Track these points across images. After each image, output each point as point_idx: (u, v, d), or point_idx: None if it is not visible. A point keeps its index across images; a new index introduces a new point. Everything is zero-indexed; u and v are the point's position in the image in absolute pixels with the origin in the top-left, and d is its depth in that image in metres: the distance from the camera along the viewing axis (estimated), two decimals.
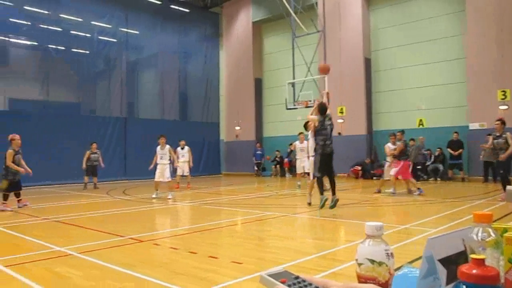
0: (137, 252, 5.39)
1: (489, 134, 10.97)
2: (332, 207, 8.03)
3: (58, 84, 18.65)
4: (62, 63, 18.65)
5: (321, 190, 8.05)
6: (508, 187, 1.01)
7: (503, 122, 9.99)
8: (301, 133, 13.35)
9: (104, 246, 5.65)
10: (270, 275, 0.71)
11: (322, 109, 8.49)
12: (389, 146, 12.08)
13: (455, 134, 15.91)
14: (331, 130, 8.56)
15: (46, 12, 18.24)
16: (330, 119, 8.53)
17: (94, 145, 15.71)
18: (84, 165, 15.34)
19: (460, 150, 15.74)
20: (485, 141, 12.29)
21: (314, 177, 8.64)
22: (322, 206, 7.95)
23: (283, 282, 0.69)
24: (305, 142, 12.94)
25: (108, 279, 4.14)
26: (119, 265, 4.57)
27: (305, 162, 12.76)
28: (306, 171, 12.62)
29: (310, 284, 0.70)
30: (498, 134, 9.90)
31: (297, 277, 0.72)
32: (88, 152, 15.43)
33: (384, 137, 17.25)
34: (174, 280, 4.01)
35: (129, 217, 8.67)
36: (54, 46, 18.70)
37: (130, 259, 4.96)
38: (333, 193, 8.04)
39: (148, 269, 4.42)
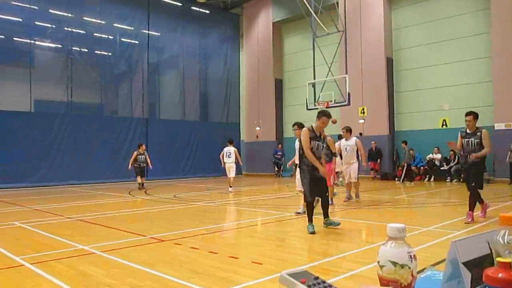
0: (158, 251, 5.45)
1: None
2: (331, 224, 6.77)
3: (81, 85, 19.01)
4: (85, 65, 19.02)
5: (310, 216, 6.55)
6: None
7: (476, 116, 7.28)
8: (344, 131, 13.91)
9: (126, 245, 5.73)
10: (290, 275, 0.71)
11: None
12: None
13: None
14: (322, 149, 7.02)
15: (70, 15, 18.63)
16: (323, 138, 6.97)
17: (143, 147, 15.63)
18: (130, 166, 15.35)
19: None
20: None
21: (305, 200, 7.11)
22: (312, 233, 6.37)
23: (302, 283, 0.69)
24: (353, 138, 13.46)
25: (130, 278, 4.19)
26: (140, 264, 4.62)
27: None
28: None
29: (330, 286, 0.70)
30: (469, 132, 7.30)
31: (316, 278, 0.71)
32: (135, 153, 15.40)
33: (407, 138, 17.06)
34: (194, 280, 4.03)
35: (150, 217, 8.77)
36: (77, 48, 19.09)
37: (151, 258, 5.01)
38: (325, 216, 6.77)
39: (168, 268, 4.46)
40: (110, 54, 20.47)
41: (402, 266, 0.83)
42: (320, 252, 5.18)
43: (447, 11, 17.23)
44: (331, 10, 19.03)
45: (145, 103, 20.93)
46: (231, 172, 14.38)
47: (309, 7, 18.29)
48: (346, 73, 17.54)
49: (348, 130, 10.53)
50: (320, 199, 6.93)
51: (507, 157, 14.55)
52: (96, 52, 20.16)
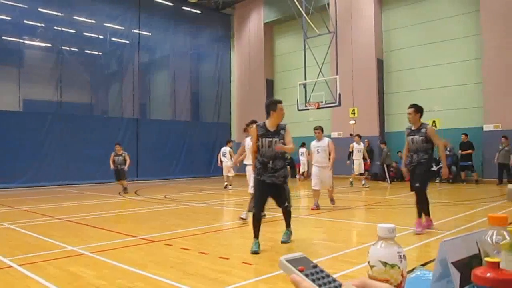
0: (149, 252, 5.43)
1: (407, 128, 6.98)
2: (285, 241, 5.79)
3: (71, 85, 18.87)
4: (76, 64, 18.88)
5: (256, 232, 5.41)
6: (509, 186, 0.99)
7: (418, 110, 6.58)
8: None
9: (117, 246, 5.70)
10: (289, 261, 0.70)
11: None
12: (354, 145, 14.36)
13: (463, 135, 15.73)
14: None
15: (60, 14, 18.47)
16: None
17: (118, 147, 14.07)
18: (112, 166, 13.78)
19: (469, 151, 15.53)
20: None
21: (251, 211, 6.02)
22: (254, 252, 5.22)
23: (301, 271, 0.69)
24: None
25: (120, 279, 4.17)
26: (130, 265, 4.60)
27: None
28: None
29: (328, 276, 0.70)
30: (413, 129, 6.61)
31: (315, 266, 0.71)
32: (112, 154, 13.95)
33: (397, 138, 17.18)
34: (185, 281, 4.03)
35: (141, 218, 8.73)
36: (67, 48, 18.94)
37: (142, 259, 4.99)
38: (287, 226, 5.90)
39: (159, 269, 4.44)
40: (100, 53, 20.34)
41: (392, 266, 0.84)
42: (310, 252, 5.19)
43: (437, 13, 17.38)
44: (322, 11, 19.09)
45: (135, 103, 20.82)
46: (229, 171, 14.58)
47: (300, 8, 18.34)
48: (337, 74, 17.60)
49: (321, 130, 9.35)
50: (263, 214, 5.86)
51: (495, 157, 14.71)
52: (87, 51, 20.02)
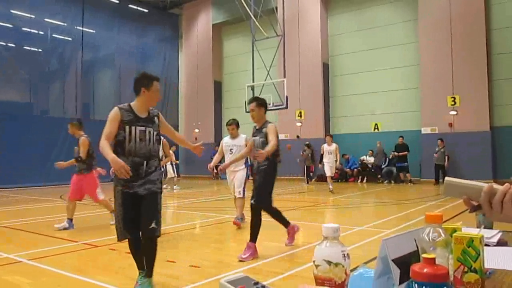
0: (92, 257, 5.23)
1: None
2: (144, 277, 3.75)
3: (8, 83, 17.83)
4: (13, 61, 17.85)
5: (140, 264, 3.79)
6: (447, 178, 1.05)
7: (260, 104, 5.48)
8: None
9: (57, 252, 5.44)
10: (229, 282, 0.70)
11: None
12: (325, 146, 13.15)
13: (400, 138, 16.44)
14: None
15: None
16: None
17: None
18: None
19: (405, 152, 16.25)
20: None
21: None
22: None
23: None
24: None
25: (60, 286, 3.98)
26: (72, 272, 4.41)
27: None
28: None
29: None
30: (257, 128, 5.44)
31: (256, 283, 0.72)
32: None
33: (341, 141, 17.69)
34: (131, 286, 3.91)
35: (83, 222, 8.39)
36: (3, 43, 17.91)
37: (85, 265, 4.80)
38: (146, 267, 3.77)
39: (103, 275, 4.29)
40: (40, 50, 19.38)
41: (336, 264, 0.86)
42: (258, 253, 5.22)
43: (379, 20, 18.09)
44: (270, 14, 19.31)
45: (78, 102, 20.02)
46: (171, 173, 14.50)
47: (248, 10, 18.44)
48: (284, 76, 17.87)
49: (236, 125, 7.48)
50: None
51: (434, 159, 15.49)
52: (25, 47, 19.00)
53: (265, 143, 5.13)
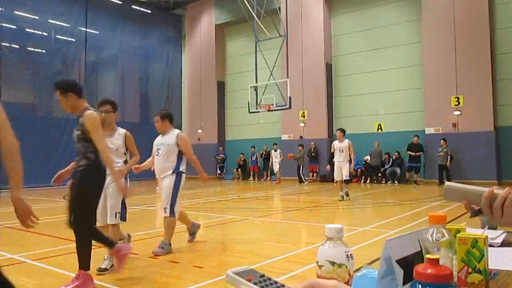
0: (95, 258, 5.23)
1: None
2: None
3: (12, 84, 17.90)
4: (17, 62, 17.94)
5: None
6: (447, 183, 1.05)
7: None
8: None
9: (61, 252, 5.46)
10: (236, 273, 0.71)
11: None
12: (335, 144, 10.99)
13: (415, 137, 16.34)
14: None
15: (0, 8, 17.50)
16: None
17: None
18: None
19: (420, 152, 16.20)
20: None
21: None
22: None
23: (249, 280, 0.69)
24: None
25: None
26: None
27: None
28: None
29: (276, 282, 0.71)
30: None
31: (262, 275, 0.72)
32: None
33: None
34: (135, 286, 3.93)
35: None
36: (7, 44, 17.97)
37: None
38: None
39: (105, 276, 4.30)
40: (44, 51, 19.44)
41: (340, 265, 0.86)
42: (261, 254, 5.22)
43: (383, 20, 18.06)
44: (273, 15, 19.33)
45: None
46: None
47: (251, 11, 18.45)
48: (288, 77, 17.87)
49: (166, 118, 6.09)
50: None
51: (438, 160, 15.44)
52: (29, 49, 19.07)
53: (79, 136, 3.99)
